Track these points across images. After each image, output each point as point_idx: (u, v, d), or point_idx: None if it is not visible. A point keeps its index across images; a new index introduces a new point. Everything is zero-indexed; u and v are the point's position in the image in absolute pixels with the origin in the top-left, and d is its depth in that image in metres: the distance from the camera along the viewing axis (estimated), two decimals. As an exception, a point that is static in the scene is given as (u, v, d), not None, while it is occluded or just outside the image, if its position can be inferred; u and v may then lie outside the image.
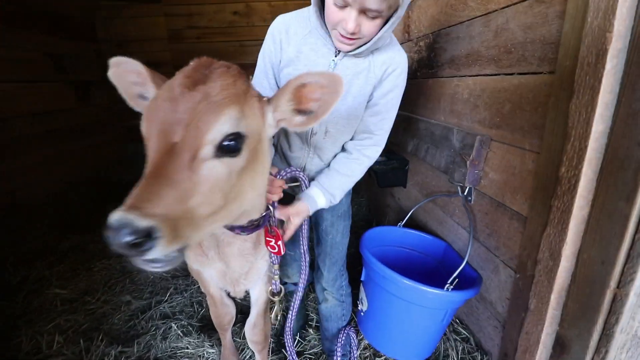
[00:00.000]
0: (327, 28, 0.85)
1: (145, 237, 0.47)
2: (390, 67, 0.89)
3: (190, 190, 0.54)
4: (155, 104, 0.60)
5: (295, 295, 1.07)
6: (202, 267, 1.07)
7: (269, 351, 1.31)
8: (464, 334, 1.27)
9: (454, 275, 1.02)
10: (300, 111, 0.68)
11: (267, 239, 0.95)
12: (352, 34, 0.78)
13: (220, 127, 0.56)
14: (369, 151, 0.97)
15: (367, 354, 1.35)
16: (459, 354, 1.21)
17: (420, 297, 1.05)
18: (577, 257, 0.72)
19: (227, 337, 1.29)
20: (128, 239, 0.46)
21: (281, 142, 1.03)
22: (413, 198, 1.66)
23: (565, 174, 0.72)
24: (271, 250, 0.96)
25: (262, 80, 0.98)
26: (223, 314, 1.22)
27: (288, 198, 0.97)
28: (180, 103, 0.56)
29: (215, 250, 0.95)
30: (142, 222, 0.47)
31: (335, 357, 1.20)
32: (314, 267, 1.34)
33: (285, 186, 0.93)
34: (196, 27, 4.12)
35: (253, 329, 1.19)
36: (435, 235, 1.40)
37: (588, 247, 0.69)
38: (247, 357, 1.38)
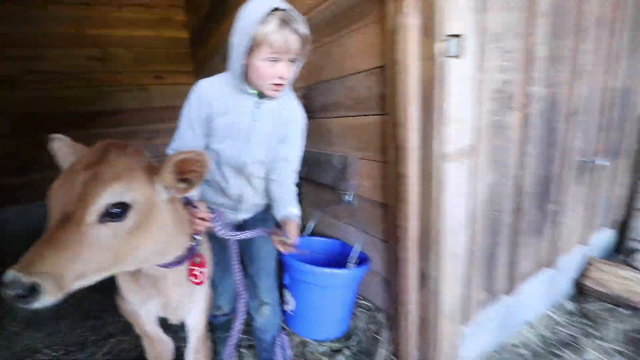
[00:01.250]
0: (248, 85, 1.10)
1: (31, 291, 0.61)
2: (295, 109, 1.22)
3: (78, 251, 0.67)
4: (59, 181, 0.74)
5: (236, 320, 1.22)
6: (141, 304, 1.12)
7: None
8: (366, 304, 1.67)
9: (352, 255, 1.42)
10: (182, 180, 0.86)
11: (191, 267, 1.06)
12: (283, 79, 1.05)
13: (103, 199, 0.71)
14: (292, 176, 1.26)
15: (298, 349, 1.59)
16: (364, 317, 1.60)
17: (335, 279, 1.39)
18: (418, 222, 1.21)
19: None
20: (15, 292, 0.60)
21: (215, 176, 1.23)
22: (309, 213, 2.04)
23: (402, 173, 1.21)
24: (193, 279, 1.07)
25: (186, 132, 1.15)
26: (163, 351, 1.25)
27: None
28: (75, 180, 0.72)
29: (151, 285, 1.05)
30: (27, 279, 0.60)
31: None
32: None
33: (209, 223, 1.08)
34: (38, 72, 3.75)
35: (195, 355, 1.26)
36: (333, 237, 1.80)
37: (422, 217, 1.18)
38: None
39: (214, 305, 1.44)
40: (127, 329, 1.89)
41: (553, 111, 1.40)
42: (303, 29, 1.03)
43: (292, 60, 1.06)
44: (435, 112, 1.02)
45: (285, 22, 0.99)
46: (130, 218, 0.76)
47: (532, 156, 1.37)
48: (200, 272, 1.08)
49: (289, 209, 1.20)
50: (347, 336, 1.64)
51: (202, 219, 1.06)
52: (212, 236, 1.26)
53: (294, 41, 1.00)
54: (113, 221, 0.72)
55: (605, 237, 2.15)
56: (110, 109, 4.33)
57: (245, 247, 1.39)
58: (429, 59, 1.01)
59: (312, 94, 1.82)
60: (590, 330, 1.68)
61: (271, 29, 0.98)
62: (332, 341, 1.62)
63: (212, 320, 1.51)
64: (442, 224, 1.09)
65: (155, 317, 1.22)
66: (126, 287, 1.10)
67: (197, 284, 1.08)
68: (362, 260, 1.52)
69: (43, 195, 0.73)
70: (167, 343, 1.27)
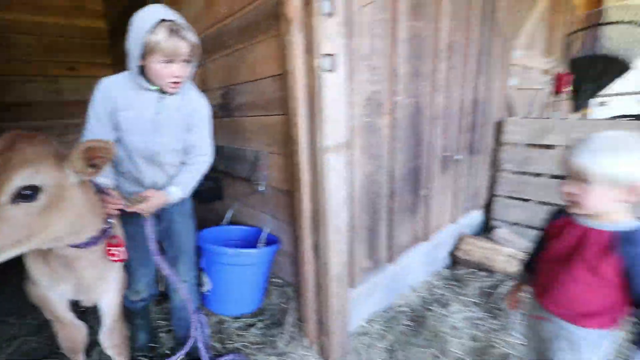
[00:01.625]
0: (148, 83, 1.23)
1: None
2: (196, 100, 1.36)
3: None
4: None
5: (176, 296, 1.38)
6: (52, 285, 1.18)
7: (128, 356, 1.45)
8: (278, 281, 1.90)
9: (261, 237, 1.63)
10: (90, 165, 0.96)
11: (108, 248, 1.16)
12: (179, 78, 1.20)
13: (14, 182, 0.81)
14: (200, 158, 1.40)
15: (215, 327, 1.76)
16: (276, 293, 1.83)
17: (246, 258, 1.59)
18: (311, 204, 1.46)
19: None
20: None
21: (128, 167, 1.33)
22: (229, 205, 2.20)
23: (297, 163, 1.45)
24: (112, 258, 1.16)
25: (94, 127, 1.24)
26: (75, 334, 1.29)
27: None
28: None
29: (64, 266, 1.14)
30: None
31: (193, 341, 1.49)
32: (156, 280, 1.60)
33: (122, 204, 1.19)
34: None
35: (111, 335, 1.32)
36: (251, 225, 1.99)
37: (313, 199, 1.44)
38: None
39: (132, 290, 1.52)
40: (33, 330, 1.85)
41: (417, 116, 1.79)
42: (190, 36, 1.19)
43: (186, 61, 1.22)
44: (317, 113, 1.29)
45: (173, 31, 1.14)
46: (41, 199, 0.86)
47: (402, 151, 1.74)
48: (118, 250, 1.18)
49: (170, 186, 1.33)
50: (260, 311, 1.85)
51: (114, 204, 1.17)
52: (129, 222, 1.37)
53: (183, 47, 1.17)
54: (25, 202, 0.83)
55: (474, 217, 2.71)
56: (12, 100, 3.92)
57: (165, 230, 1.49)
58: (310, 71, 1.27)
59: (230, 94, 1.99)
60: (457, 289, 2.14)
61: (161, 38, 1.13)
62: (246, 316, 1.81)
63: (130, 306, 1.58)
64: (327, 204, 1.37)
65: (67, 301, 1.26)
66: (37, 269, 1.15)
67: (117, 261, 1.18)
68: (273, 242, 1.75)
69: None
70: (79, 327, 1.31)
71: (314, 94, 1.28)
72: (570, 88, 2.58)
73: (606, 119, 2.30)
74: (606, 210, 0.84)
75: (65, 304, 1.27)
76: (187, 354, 1.59)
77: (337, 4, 1.23)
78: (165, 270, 1.37)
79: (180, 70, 1.20)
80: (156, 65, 1.18)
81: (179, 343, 1.66)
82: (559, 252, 0.94)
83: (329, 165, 1.33)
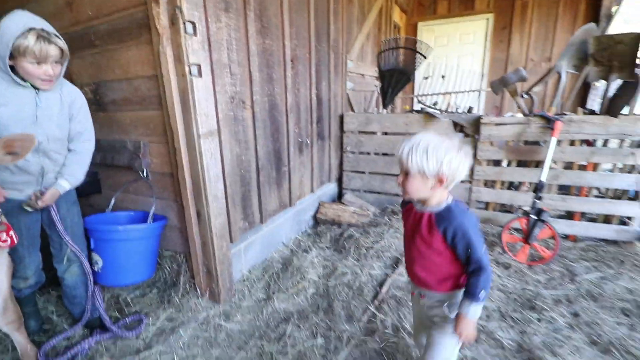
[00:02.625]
0: (22, 80, 1.37)
1: None
2: (74, 91, 1.56)
3: None
4: None
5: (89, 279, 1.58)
6: None
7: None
8: (169, 253, 2.20)
9: (150, 213, 1.93)
10: (8, 153, 1.17)
11: None
12: (52, 76, 1.39)
13: None
14: (85, 143, 1.60)
15: (113, 299, 1.96)
16: (169, 262, 2.15)
17: (136, 232, 1.85)
18: (190, 179, 1.85)
19: None
20: None
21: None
22: (109, 196, 2.34)
23: (177, 148, 1.82)
24: (2, 244, 1.32)
25: None
26: None
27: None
28: None
29: None
30: None
31: (91, 311, 1.70)
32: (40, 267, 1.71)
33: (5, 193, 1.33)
34: None
35: (5, 313, 1.41)
36: (138, 210, 2.21)
37: (192, 175, 1.84)
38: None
39: (21, 277, 1.61)
40: None
41: (274, 110, 2.38)
42: (58, 41, 1.37)
43: (57, 62, 1.42)
44: (191, 108, 1.70)
45: (42, 37, 1.31)
46: None
47: (264, 137, 2.30)
48: (8, 236, 1.32)
49: (59, 180, 1.54)
50: (155, 278, 2.13)
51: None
52: (17, 212, 1.48)
53: (53, 51, 1.35)
54: None
55: (330, 188, 3.53)
56: None
57: (50, 217, 1.61)
58: (182, 76, 1.67)
59: (102, 90, 2.13)
60: (316, 240, 2.87)
61: (31, 43, 1.30)
62: (142, 285, 2.08)
63: (18, 295, 1.65)
64: (205, 178, 1.79)
65: None
66: None
67: (11, 245, 1.33)
68: (161, 219, 2.05)
69: None
70: None
71: (186, 94, 1.69)
72: (380, 91, 3.65)
73: (400, 113, 3.42)
74: (426, 195, 1.01)
75: None
76: (89, 324, 1.78)
77: (197, 27, 1.66)
78: (72, 245, 1.54)
79: (51, 69, 1.39)
80: (27, 65, 1.33)
81: (76, 320, 1.81)
82: (407, 232, 1.15)
83: (204, 148, 1.76)
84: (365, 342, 1.72)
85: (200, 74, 1.69)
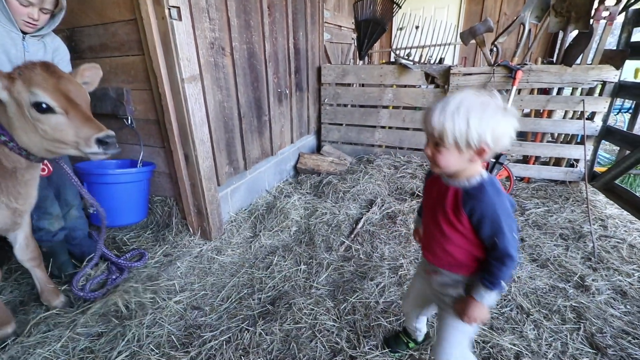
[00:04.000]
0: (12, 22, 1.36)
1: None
2: (57, 41, 1.58)
3: None
4: (50, 85, 1.14)
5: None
6: None
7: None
8: (159, 198, 2.33)
9: (140, 159, 2.02)
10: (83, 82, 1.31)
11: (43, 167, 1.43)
12: (36, 22, 1.39)
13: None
14: None
15: (110, 240, 2.11)
16: (160, 206, 2.28)
17: (127, 176, 1.96)
18: (177, 124, 1.94)
19: None
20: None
21: None
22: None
23: (161, 93, 1.87)
24: (42, 173, 1.42)
25: None
26: None
27: None
28: (65, 83, 1.19)
29: (5, 195, 1.27)
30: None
31: (97, 253, 1.82)
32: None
33: None
34: None
35: (27, 249, 1.52)
36: (124, 159, 2.28)
37: (178, 120, 1.92)
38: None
39: (50, 214, 1.69)
40: None
41: (253, 58, 2.42)
42: None
43: (44, 12, 1.42)
44: (172, 53, 1.74)
45: None
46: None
47: (244, 85, 2.36)
48: (44, 165, 1.47)
49: None
50: (148, 220, 2.28)
51: None
52: None
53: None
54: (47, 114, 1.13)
55: (310, 140, 3.67)
56: None
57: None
58: (162, 19, 1.68)
59: (77, 36, 2.09)
60: (297, 187, 3.06)
61: None
62: (137, 225, 2.22)
63: (52, 240, 1.74)
64: (191, 122, 1.88)
65: None
66: None
67: (47, 174, 1.50)
68: (150, 165, 2.14)
69: None
70: None
71: (167, 37, 1.72)
72: (355, 42, 3.68)
73: (375, 65, 3.52)
74: (459, 169, 0.84)
75: None
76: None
77: (174, -33, 1.65)
78: (84, 192, 1.62)
79: (37, 15, 1.39)
80: (14, 2, 1.34)
81: (79, 261, 1.95)
82: (428, 207, 0.99)
83: (188, 92, 1.83)
84: (343, 267, 1.99)
85: (180, 17, 1.71)
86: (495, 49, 3.01)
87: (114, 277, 1.82)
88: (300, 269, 1.97)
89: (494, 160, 2.68)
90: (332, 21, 3.87)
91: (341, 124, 3.65)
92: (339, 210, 2.57)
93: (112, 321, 1.55)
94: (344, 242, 2.21)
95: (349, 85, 3.50)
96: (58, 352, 1.41)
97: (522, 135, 3.14)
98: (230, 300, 1.74)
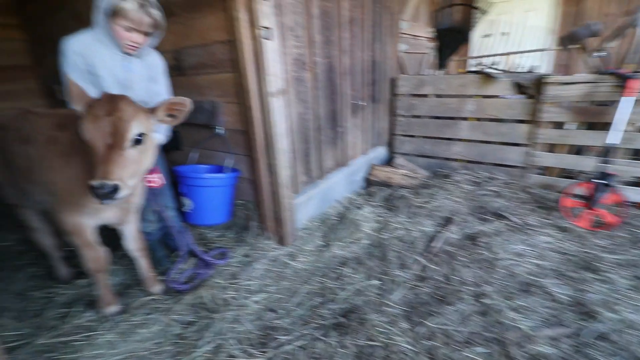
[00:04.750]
0: (114, 42, 1.49)
1: (114, 190, 1.11)
2: (154, 56, 1.75)
3: (125, 165, 1.17)
4: (90, 124, 1.16)
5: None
6: (96, 213, 1.50)
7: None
8: (241, 202, 2.51)
9: (226, 166, 2.21)
10: (169, 115, 1.37)
11: (149, 177, 1.64)
12: (136, 44, 1.54)
13: (133, 131, 1.17)
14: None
15: (199, 236, 2.34)
16: (241, 210, 2.46)
17: (217, 181, 2.15)
18: (262, 134, 2.08)
19: (105, 277, 1.66)
20: (105, 191, 1.10)
21: None
22: (189, 149, 2.68)
23: (250, 107, 2.04)
24: (150, 184, 1.64)
25: (79, 79, 1.44)
26: (101, 256, 1.61)
27: None
28: (107, 123, 1.16)
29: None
30: (111, 183, 1.10)
31: (186, 247, 2.04)
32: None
33: None
34: None
35: (135, 241, 1.74)
36: (213, 164, 2.53)
37: (264, 131, 2.06)
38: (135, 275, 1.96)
39: (146, 220, 1.93)
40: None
41: (331, 72, 2.49)
42: (155, 13, 1.48)
43: (147, 33, 1.50)
44: (262, 69, 1.88)
45: (141, 5, 1.43)
46: (145, 142, 1.25)
47: (322, 98, 2.43)
48: (157, 178, 1.66)
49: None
50: (231, 223, 2.47)
51: None
52: None
53: (146, 21, 1.47)
54: (137, 145, 1.22)
55: (381, 151, 3.62)
56: None
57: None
58: (254, 39, 1.84)
59: (181, 57, 2.40)
60: (368, 199, 3.03)
61: (130, 7, 1.40)
62: (221, 227, 2.42)
63: (152, 238, 2.01)
64: (274, 133, 2.00)
65: (96, 229, 1.58)
66: (90, 197, 1.32)
67: (159, 186, 1.68)
68: (235, 171, 2.33)
69: None
70: (104, 251, 1.63)
71: (258, 56, 1.86)
72: (435, 52, 3.54)
73: (455, 75, 3.32)
74: None
75: (95, 230, 1.58)
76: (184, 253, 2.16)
77: (269, -9, 1.80)
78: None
79: (139, 38, 1.51)
80: (118, 28, 1.45)
81: (172, 251, 2.20)
82: None
83: (273, 106, 1.95)
84: (418, 287, 1.89)
85: (270, 37, 1.85)
86: (602, 54, 2.62)
87: (201, 271, 2.00)
88: (372, 284, 1.92)
89: (600, 182, 2.31)
90: (409, 31, 3.80)
91: (415, 136, 3.53)
92: (413, 225, 2.46)
93: (200, 312, 1.70)
94: (419, 260, 2.10)
95: (424, 96, 3.37)
96: (156, 334, 1.59)
97: (636, 154, 2.65)
98: (303, 306, 1.78)
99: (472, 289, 1.83)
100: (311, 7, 2.15)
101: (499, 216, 2.53)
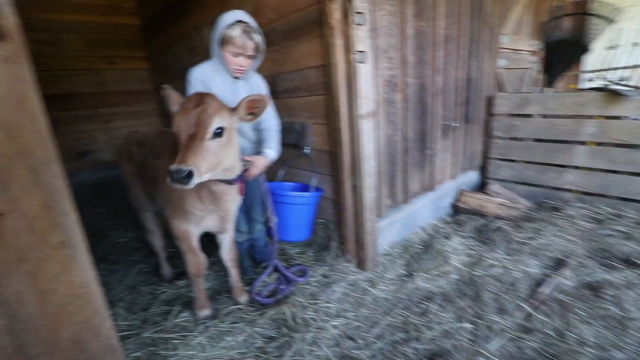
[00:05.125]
0: (225, 68, 1.73)
1: (188, 176, 1.14)
2: (259, 81, 1.92)
3: (204, 154, 1.21)
4: (179, 115, 1.28)
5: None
6: (201, 219, 1.62)
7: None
8: (322, 221, 2.53)
9: (311, 185, 2.26)
10: (250, 113, 1.43)
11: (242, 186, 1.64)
12: (242, 67, 1.74)
13: (214, 125, 1.23)
14: (272, 122, 1.97)
15: (280, 251, 2.42)
16: (322, 229, 2.47)
17: (302, 199, 2.21)
18: (349, 156, 2.07)
19: (201, 282, 1.78)
20: (180, 175, 1.13)
21: None
22: (276, 170, 2.83)
23: (339, 128, 2.06)
24: (241, 193, 1.67)
25: None
26: (202, 262, 1.72)
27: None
28: (193, 115, 1.25)
29: (213, 204, 1.58)
30: (186, 168, 1.13)
31: (269, 260, 2.15)
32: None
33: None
34: None
35: (229, 252, 1.85)
36: (298, 182, 2.62)
37: (351, 152, 2.06)
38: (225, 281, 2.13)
39: (238, 231, 2.06)
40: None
41: (423, 92, 2.38)
42: (257, 38, 1.66)
43: (251, 57, 1.72)
44: (354, 92, 1.89)
45: (244, 31, 1.61)
46: (225, 136, 1.30)
47: (412, 119, 2.34)
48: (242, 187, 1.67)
49: (265, 150, 1.89)
50: (311, 240, 2.50)
51: None
52: None
53: (250, 45, 1.65)
54: (217, 138, 1.27)
55: (472, 176, 3.31)
56: (65, 92, 4.44)
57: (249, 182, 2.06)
58: (348, 63, 1.87)
59: (277, 81, 2.59)
60: (457, 229, 2.76)
61: (235, 34, 1.60)
62: (301, 244, 2.47)
63: (240, 248, 2.15)
64: (361, 155, 1.98)
65: (200, 235, 1.71)
66: (193, 206, 1.57)
67: (242, 194, 1.66)
68: (318, 191, 2.38)
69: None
70: (204, 257, 1.75)
71: (351, 79, 1.88)
72: (543, 66, 3.13)
73: (569, 92, 2.85)
74: None
75: (199, 237, 1.71)
76: (267, 265, 2.25)
77: (365, 17, 1.82)
78: (270, 206, 1.95)
79: (244, 62, 1.72)
80: (228, 54, 1.67)
81: (257, 263, 2.32)
82: None
83: (363, 128, 1.94)
84: (522, 339, 1.61)
85: (364, 60, 1.86)
86: None
87: (282, 287, 2.04)
88: (464, 326, 1.70)
89: None
90: (509, 46, 3.46)
91: (515, 161, 3.14)
92: (514, 264, 2.14)
93: (282, 329, 1.72)
94: (523, 306, 1.80)
95: (528, 116, 2.99)
96: (240, 343, 1.66)
97: None
98: (383, 340, 1.66)
99: (595, 352, 1.49)
100: (406, 29, 2.11)
101: (631, 264, 2.04)
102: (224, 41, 1.64)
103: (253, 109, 1.42)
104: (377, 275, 2.19)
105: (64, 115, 4.45)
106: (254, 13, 2.59)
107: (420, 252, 2.41)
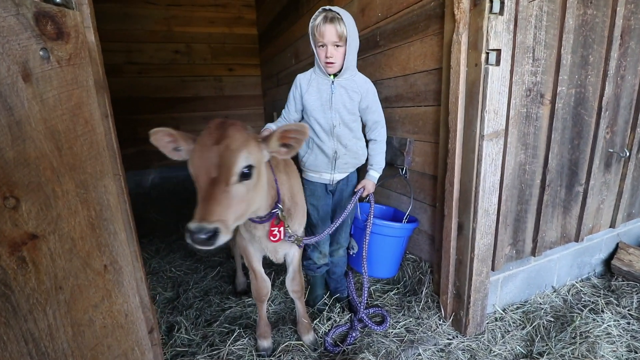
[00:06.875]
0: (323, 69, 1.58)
1: (213, 235, 0.87)
2: (366, 82, 1.67)
3: (230, 203, 0.94)
4: (196, 154, 0.99)
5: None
6: (253, 241, 1.47)
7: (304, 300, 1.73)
8: (413, 257, 2.09)
9: (407, 213, 1.85)
10: (284, 145, 1.13)
11: (271, 229, 1.34)
12: (330, 58, 1.52)
13: (240, 165, 0.95)
14: (378, 133, 1.73)
15: (357, 284, 2.08)
16: (411, 267, 2.03)
17: (390, 230, 1.83)
18: (459, 186, 1.60)
19: (263, 308, 1.60)
20: (203, 236, 0.86)
21: (316, 141, 1.72)
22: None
23: (449, 150, 1.61)
24: (272, 238, 1.35)
25: (290, 105, 1.72)
26: (262, 287, 1.57)
27: None
28: (213, 153, 0.96)
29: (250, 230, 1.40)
30: (209, 226, 0.86)
31: (347, 290, 1.87)
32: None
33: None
34: (136, 63, 4.59)
35: (293, 281, 1.64)
36: (385, 204, 2.24)
37: (462, 182, 1.58)
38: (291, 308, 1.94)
39: (319, 252, 1.83)
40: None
41: (580, 106, 1.71)
42: (340, 24, 1.47)
43: (336, 45, 1.52)
44: (478, 103, 1.42)
45: (326, 18, 1.47)
46: (254, 176, 1.03)
47: (559, 143, 1.69)
48: (278, 231, 1.36)
49: (370, 171, 1.74)
50: (396, 279, 2.09)
51: None
52: (319, 194, 1.75)
53: (329, 31, 1.47)
54: (245, 180, 1.00)
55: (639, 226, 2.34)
56: (190, 95, 5.04)
57: (336, 202, 1.84)
58: (474, 66, 1.41)
59: (376, 88, 2.25)
60: (611, 299, 1.94)
61: (317, 23, 1.49)
62: (384, 281, 2.08)
63: (315, 273, 1.91)
64: (479, 187, 1.49)
65: (260, 257, 1.58)
66: (242, 228, 1.45)
67: (275, 241, 1.38)
68: (412, 221, 1.95)
69: (137, 164, 1.04)
70: (266, 280, 1.59)
71: (475, 87, 1.42)
72: None
73: None
74: None
75: (259, 258, 1.58)
76: (342, 299, 1.96)
77: (506, 3, 1.33)
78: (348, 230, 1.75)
79: (330, 52, 1.52)
80: (317, 49, 1.55)
81: (330, 291, 2.04)
82: None
83: (485, 151, 1.45)
84: None
85: (498, 61, 1.37)
86: None
87: (354, 333, 1.70)
88: None
89: None
90: None
91: None
92: None
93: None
94: None
95: None
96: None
97: None
98: None
99: None
100: (565, 18, 1.51)
101: None
102: (314, 35, 1.54)
103: (288, 139, 1.13)
104: (482, 345, 1.64)
105: (186, 116, 5.06)
106: (360, 13, 2.34)
107: (550, 325, 1.74)
